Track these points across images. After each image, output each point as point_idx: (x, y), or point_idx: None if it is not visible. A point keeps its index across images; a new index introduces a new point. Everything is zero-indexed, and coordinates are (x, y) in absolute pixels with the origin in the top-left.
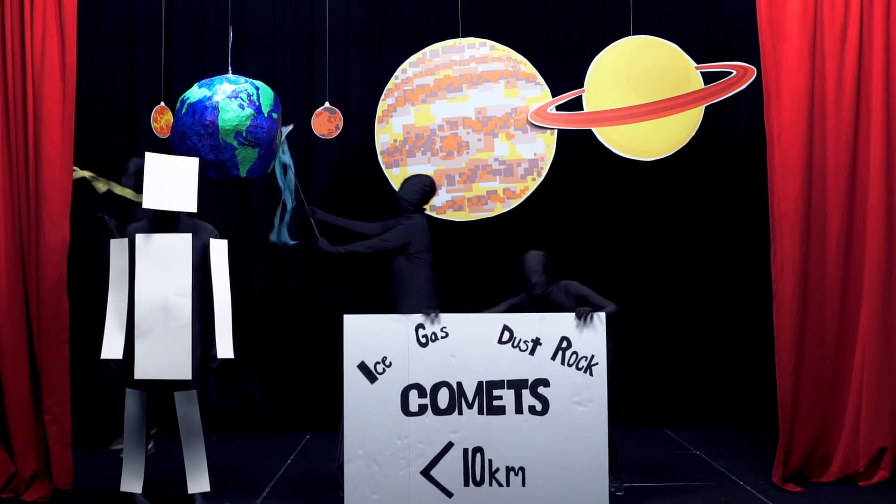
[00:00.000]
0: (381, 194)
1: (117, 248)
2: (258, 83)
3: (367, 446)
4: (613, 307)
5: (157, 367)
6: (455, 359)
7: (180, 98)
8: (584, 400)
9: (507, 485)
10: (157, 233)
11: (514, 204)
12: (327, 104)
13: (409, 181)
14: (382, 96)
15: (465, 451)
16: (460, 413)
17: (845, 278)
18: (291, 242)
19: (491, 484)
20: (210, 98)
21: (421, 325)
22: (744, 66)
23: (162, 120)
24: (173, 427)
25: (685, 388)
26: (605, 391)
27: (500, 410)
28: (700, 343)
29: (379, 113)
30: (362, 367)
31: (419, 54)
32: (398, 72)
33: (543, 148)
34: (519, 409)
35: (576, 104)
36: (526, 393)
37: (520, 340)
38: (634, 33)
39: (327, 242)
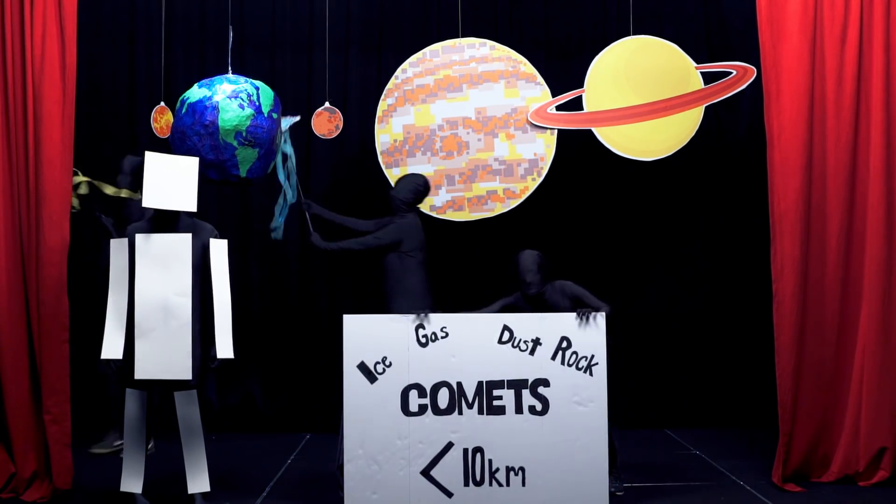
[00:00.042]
0: (381, 194)
1: (117, 247)
2: (258, 83)
3: (367, 446)
4: (607, 308)
5: (157, 367)
6: (455, 359)
7: (180, 98)
8: (584, 400)
9: (507, 485)
10: (156, 233)
11: (514, 204)
12: (327, 104)
13: (403, 180)
14: (382, 96)
15: (465, 451)
16: (460, 413)
17: (845, 278)
18: (281, 238)
19: (491, 484)
20: (210, 98)
21: (421, 325)
22: (744, 66)
23: (162, 120)
24: (173, 427)
25: (685, 388)
26: (605, 391)
27: (500, 410)
28: (700, 343)
29: (379, 113)
30: (362, 367)
31: (419, 54)
32: (398, 72)
33: (543, 148)
34: (519, 409)
35: (576, 104)
36: (526, 393)
37: (520, 340)
38: (634, 33)
39: (320, 238)
